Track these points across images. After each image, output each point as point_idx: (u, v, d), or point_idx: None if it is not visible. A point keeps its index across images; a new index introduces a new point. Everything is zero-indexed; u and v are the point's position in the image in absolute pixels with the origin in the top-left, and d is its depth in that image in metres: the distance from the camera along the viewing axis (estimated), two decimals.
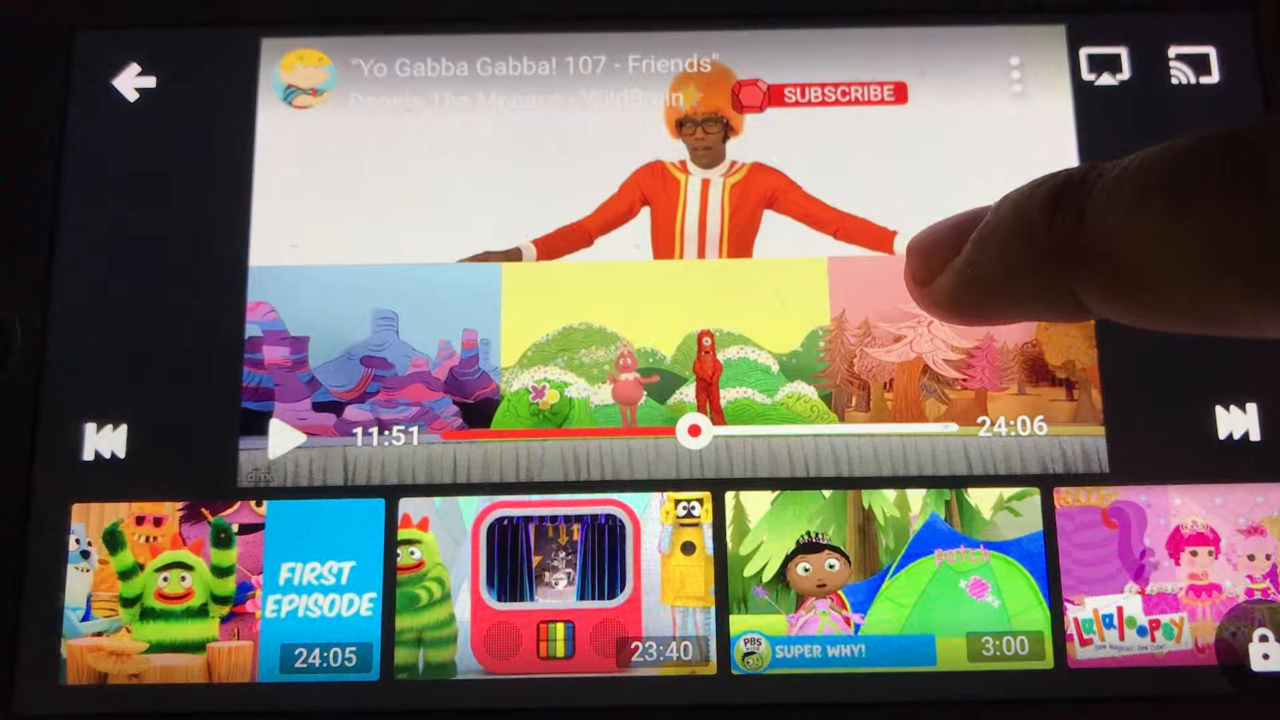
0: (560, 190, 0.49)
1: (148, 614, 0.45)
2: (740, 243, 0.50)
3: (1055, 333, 0.49)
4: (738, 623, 0.45)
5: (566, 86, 0.49)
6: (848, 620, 0.45)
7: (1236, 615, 0.44)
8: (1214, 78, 0.43)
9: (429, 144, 0.50)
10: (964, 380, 0.48)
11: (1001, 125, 0.45)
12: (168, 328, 0.47)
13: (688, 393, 0.49)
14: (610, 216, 0.49)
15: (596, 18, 0.48)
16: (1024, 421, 0.47)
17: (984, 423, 0.47)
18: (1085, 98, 0.44)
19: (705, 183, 0.50)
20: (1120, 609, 0.45)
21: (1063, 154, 0.45)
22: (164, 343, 0.47)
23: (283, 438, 0.47)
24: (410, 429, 0.48)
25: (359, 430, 0.48)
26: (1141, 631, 0.43)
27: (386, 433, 0.47)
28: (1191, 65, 0.43)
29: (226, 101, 0.49)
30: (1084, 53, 0.44)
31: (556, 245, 0.49)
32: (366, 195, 0.49)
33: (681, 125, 0.50)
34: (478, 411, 0.49)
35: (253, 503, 0.47)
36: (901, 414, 0.48)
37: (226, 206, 0.48)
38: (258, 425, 0.48)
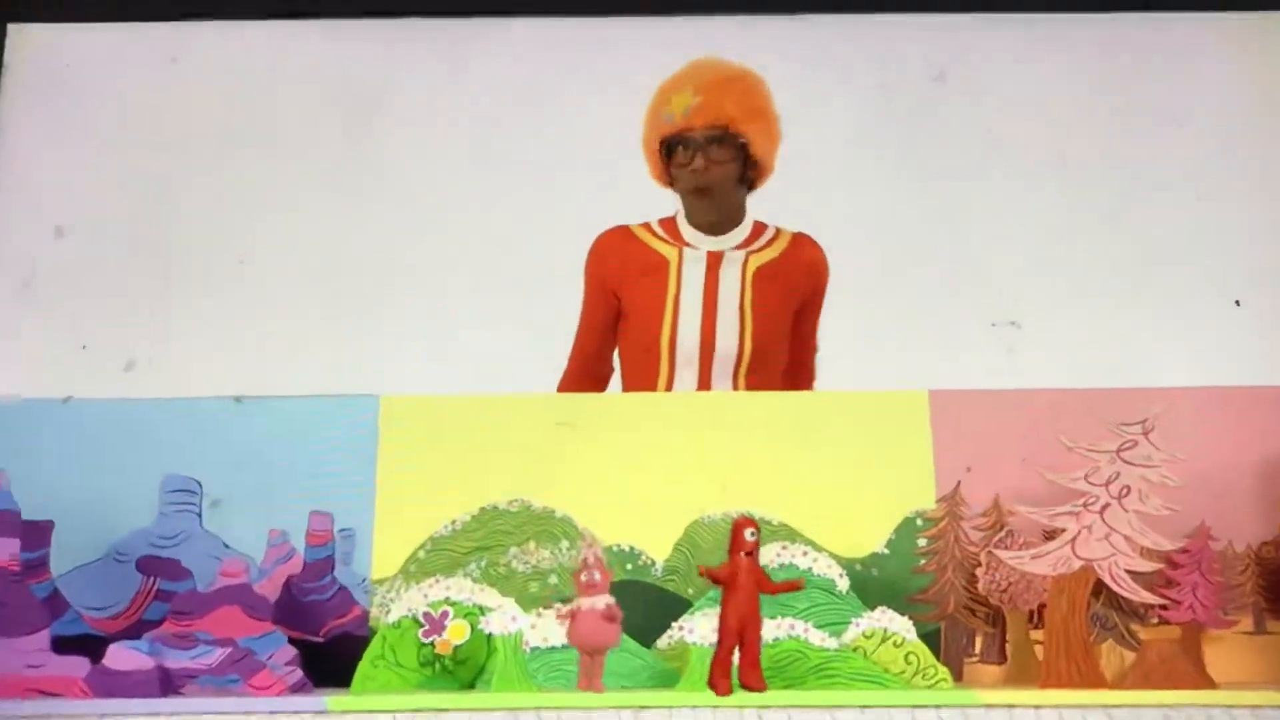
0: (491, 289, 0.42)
1: None
2: (770, 360, 0.39)
3: None
4: None
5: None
6: None
7: None
8: None
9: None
10: (1165, 608, 0.39)
11: None
12: None
13: (693, 626, 0.37)
14: (600, 337, 0.40)
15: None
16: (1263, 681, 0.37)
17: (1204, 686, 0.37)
18: None
19: (714, 259, 0.39)
20: None
21: None
22: None
23: None
24: (216, 686, 0.36)
25: (129, 686, 0.37)
26: None
27: (175, 693, 0.37)
28: None
29: None
30: None
31: None
32: (165, 293, 0.42)
33: (673, 151, 0.40)
34: (330, 657, 0.38)
35: None
36: (1061, 669, 0.37)
37: None
38: None
